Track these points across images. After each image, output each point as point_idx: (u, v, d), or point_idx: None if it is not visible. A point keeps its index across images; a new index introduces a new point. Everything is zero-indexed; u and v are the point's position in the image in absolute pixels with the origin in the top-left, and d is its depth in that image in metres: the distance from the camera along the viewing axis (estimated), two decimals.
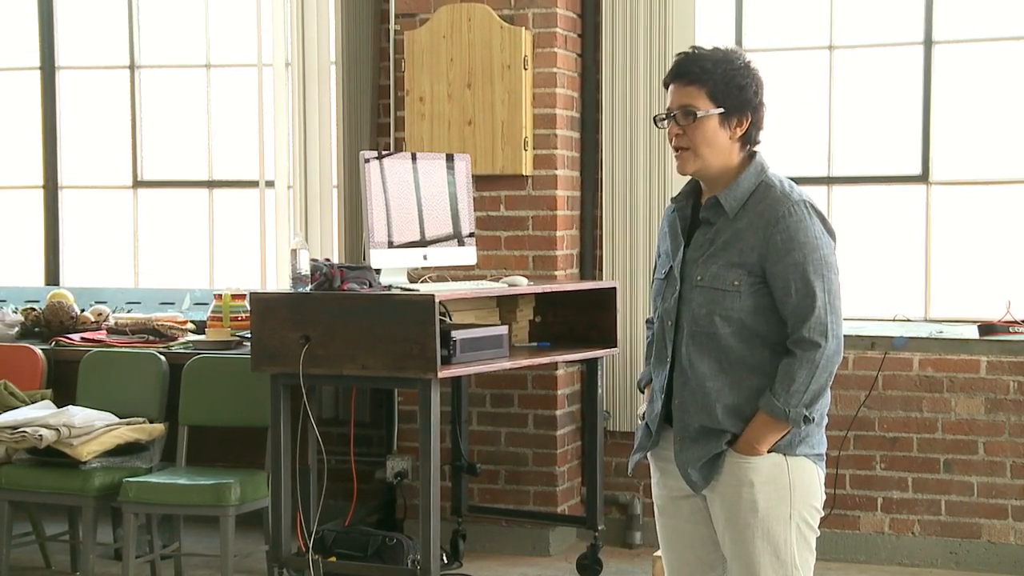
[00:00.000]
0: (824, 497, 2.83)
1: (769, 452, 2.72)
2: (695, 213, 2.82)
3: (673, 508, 2.87)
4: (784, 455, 2.73)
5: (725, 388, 2.73)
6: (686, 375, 2.76)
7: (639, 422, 2.94)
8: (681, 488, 2.82)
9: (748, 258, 2.70)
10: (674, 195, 2.91)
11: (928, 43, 5.35)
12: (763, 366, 2.72)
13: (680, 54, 2.79)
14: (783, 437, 2.72)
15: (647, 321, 3.00)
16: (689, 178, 2.86)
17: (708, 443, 2.74)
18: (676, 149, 2.77)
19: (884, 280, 5.48)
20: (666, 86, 2.80)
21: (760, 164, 2.78)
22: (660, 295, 2.85)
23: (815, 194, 5.44)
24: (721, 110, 2.72)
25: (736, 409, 2.73)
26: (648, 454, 2.90)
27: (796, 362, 2.68)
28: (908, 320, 5.35)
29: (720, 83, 2.71)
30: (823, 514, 2.83)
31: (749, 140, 2.78)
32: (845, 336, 4.76)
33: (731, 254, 2.72)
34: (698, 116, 2.72)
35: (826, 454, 2.84)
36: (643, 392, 2.99)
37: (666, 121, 2.78)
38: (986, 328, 5.10)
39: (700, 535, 2.84)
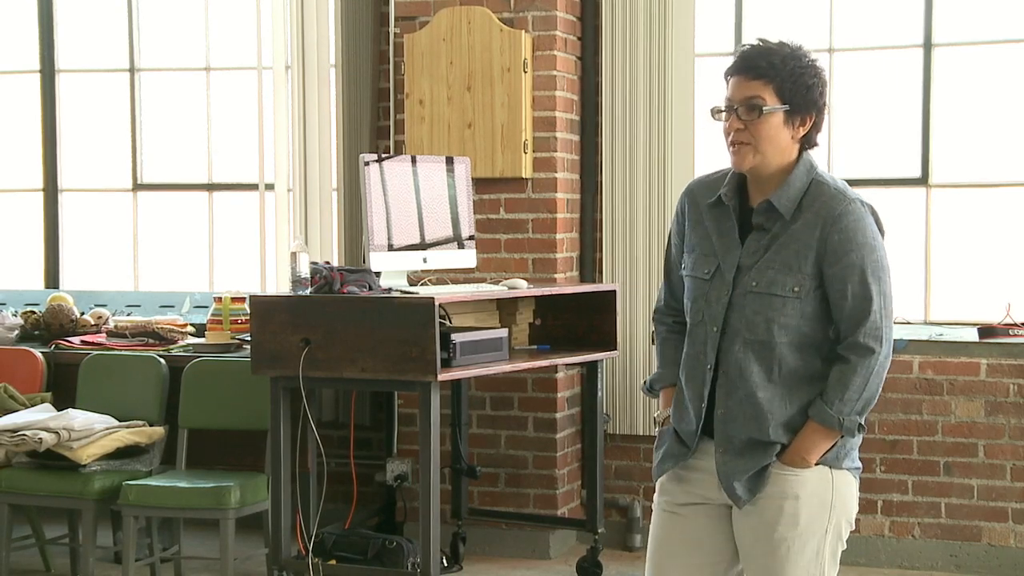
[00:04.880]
0: (857, 509, 2.76)
1: (816, 465, 2.63)
2: (742, 213, 2.70)
3: (690, 513, 2.74)
4: (831, 468, 2.65)
5: (776, 399, 2.62)
6: (733, 384, 2.64)
7: (658, 427, 2.82)
8: (703, 495, 2.71)
9: (805, 259, 2.60)
10: (709, 179, 2.74)
11: (928, 46, 5.35)
12: (814, 377, 2.62)
13: (745, 46, 2.67)
14: (830, 450, 2.64)
15: (657, 312, 2.87)
16: (726, 174, 2.72)
17: (755, 456, 2.63)
18: (734, 144, 2.64)
19: None
20: (726, 77, 2.67)
21: (809, 161, 2.68)
22: (703, 296, 2.69)
23: None
24: (787, 107, 2.62)
25: (785, 420, 2.62)
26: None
27: (850, 368, 2.59)
28: (908, 323, 5.34)
29: (788, 80, 2.61)
30: (853, 527, 2.77)
31: (808, 141, 2.68)
32: None
33: (787, 256, 2.61)
34: (764, 111, 2.61)
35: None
36: (657, 396, 2.86)
37: (724, 114, 2.65)
38: (986, 331, 5.10)
39: (715, 544, 2.73)
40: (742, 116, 2.62)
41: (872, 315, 2.61)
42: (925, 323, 5.37)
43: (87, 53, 6.43)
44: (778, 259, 2.62)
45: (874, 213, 2.66)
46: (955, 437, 5.13)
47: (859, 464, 2.73)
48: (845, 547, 2.75)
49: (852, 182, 5.40)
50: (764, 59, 2.63)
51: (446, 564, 5.03)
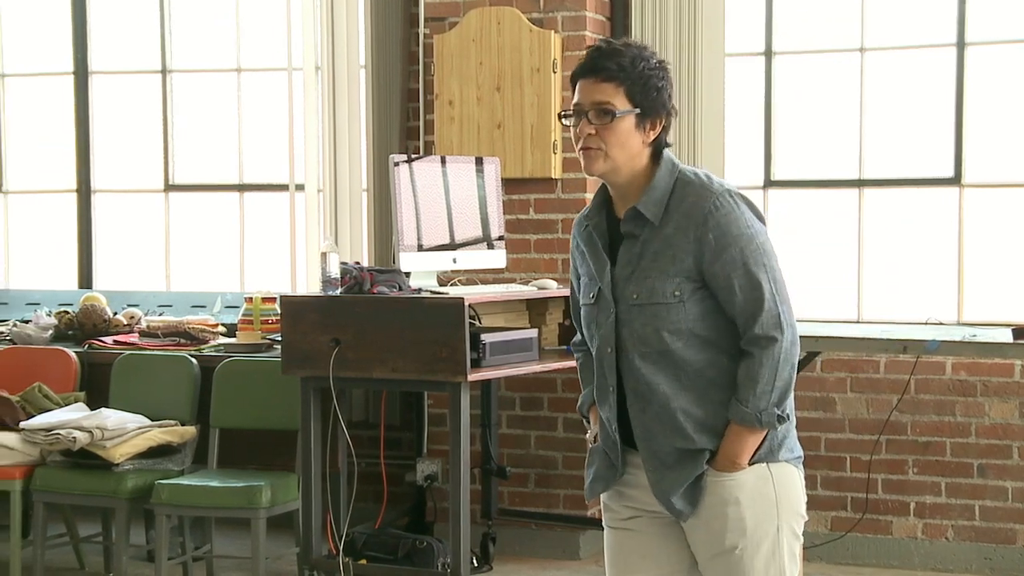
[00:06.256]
0: (806, 500, 2.66)
1: (751, 463, 2.53)
2: (611, 228, 2.61)
3: (638, 526, 2.65)
4: (767, 464, 2.55)
5: (691, 405, 2.53)
6: (645, 400, 2.55)
7: (589, 445, 2.75)
8: (645, 509, 2.63)
9: (683, 264, 2.50)
10: (582, 212, 2.68)
11: (960, 45, 5.31)
12: (723, 376, 2.53)
13: (592, 48, 2.57)
14: (762, 445, 2.53)
15: (573, 344, 2.82)
16: (595, 192, 2.66)
17: (686, 466, 2.54)
18: (585, 149, 2.54)
19: (916, 283, 5.44)
20: (574, 80, 2.56)
21: (670, 161, 2.57)
22: (593, 321, 2.61)
23: (846, 197, 5.45)
24: (638, 111, 2.52)
25: (706, 425, 2.53)
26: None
27: (755, 362, 2.49)
28: (941, 323, 5.29)
29: (638, 82, 2.52)
30: (807, 519, 2.66)
31: (659, 144, 2.57)
32: (876, 340, 4.74)
33: (664, 263, 2.51)
34: (616, 116, 2.51)
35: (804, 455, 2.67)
36: (586, 417, 2.80)
37: (574, 118, 2.54)
38: (1020, 331, 5.04)
39: (670, 553, 2.63)
40: (593, 121, 2.52)
41: (766, 303, 2.49)
42: (958, 324, 5.32)
43: (120, 55, 6.47)
44: (655, 267, 2.53)
45: (746, 199, 2.56)
46: (989, 439, 5.09)
47: (800, 452, 2.63)
48: (802, 541, 2.63)
49: (884, 182, 5.46)
50: (613, 61, 2.52)
51: (476, 564, 5.04)
